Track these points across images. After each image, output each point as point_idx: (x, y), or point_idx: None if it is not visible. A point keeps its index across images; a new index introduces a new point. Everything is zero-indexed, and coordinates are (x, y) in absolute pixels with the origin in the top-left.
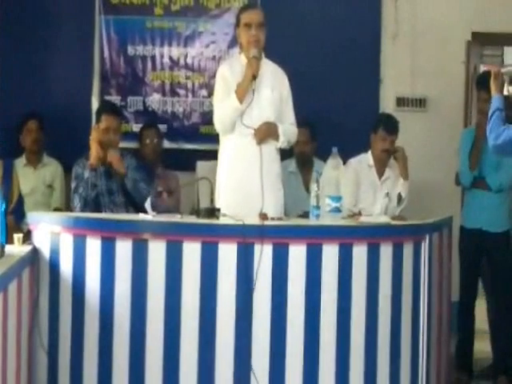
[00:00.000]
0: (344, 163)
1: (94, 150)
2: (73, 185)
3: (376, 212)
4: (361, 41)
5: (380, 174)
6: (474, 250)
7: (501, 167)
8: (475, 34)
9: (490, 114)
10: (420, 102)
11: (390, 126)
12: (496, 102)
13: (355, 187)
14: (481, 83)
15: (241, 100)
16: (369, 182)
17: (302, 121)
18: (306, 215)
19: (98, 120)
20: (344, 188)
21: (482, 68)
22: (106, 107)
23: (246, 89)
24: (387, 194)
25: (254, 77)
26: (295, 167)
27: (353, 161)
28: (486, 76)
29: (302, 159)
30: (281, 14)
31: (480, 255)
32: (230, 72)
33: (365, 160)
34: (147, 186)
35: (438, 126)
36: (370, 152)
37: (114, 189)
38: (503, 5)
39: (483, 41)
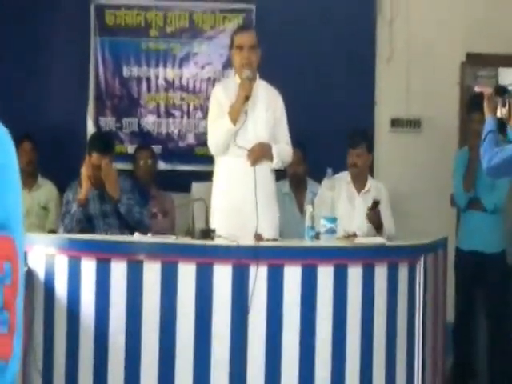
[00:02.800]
0: None
1: (85, 186)
2: (62, 210)
3: (355, 225)
4: (355, 62)
5: (359, 189)
6: (471, 271)
7: (495, 188)
8: (469, 55)
9: (483, 137)
10: (415, 123)
11: (352, 139)
12: (489, 123)
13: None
14: (473, 105)
15: (234, 121)
16: (346, 195)
17: (294, 141)
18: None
19: (90, 153)
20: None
21: (477, 88)
22: (96, 144)
23: (238, 110)
24: (375, 204)
25: (247, 98)
26: (289, 188)
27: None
28: (477, 97)
29: (295, 180)
30: (276, 35)
31: (476, 277)
32: (224, 93)
33: (344, 176)
34: (141, 209)
35: (433, 147)
36: None
37: (108, 211)
38: (497, 26)
39: (477, 62)
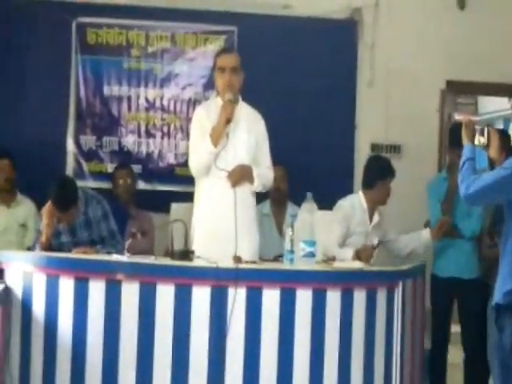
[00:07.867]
0: (318, 208)
1: (45, 234)
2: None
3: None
4: (337, 87)
5: (370, 219)
6: (447, 298)
7: (472, 214)
8: (449, 83)
9: (461, 164)
10: (394, 149)
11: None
12: (467, 151)
13: (345, 229)
14: (454, 140)
15: (215, 143)
16: (362, 227)
17: (277, 159)
18: (278, 259)
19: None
20: (331, 228)
21: (456, 116)
22: (57, 204)
23: (220, 132)
24: (378, 244)
25: (229, 120)
26: (269, 209)
27: (345, 204)
28: (457, 131)
29: (277, 196)
30: (259, 58)
31: (452, 303)
32: (206, 115)
33: (358, 203)
34: (116, 245)
35: (412, 173)
36: (360, 194)
37: (81, 243)
38: (477, 54)
39: (457, 89)
